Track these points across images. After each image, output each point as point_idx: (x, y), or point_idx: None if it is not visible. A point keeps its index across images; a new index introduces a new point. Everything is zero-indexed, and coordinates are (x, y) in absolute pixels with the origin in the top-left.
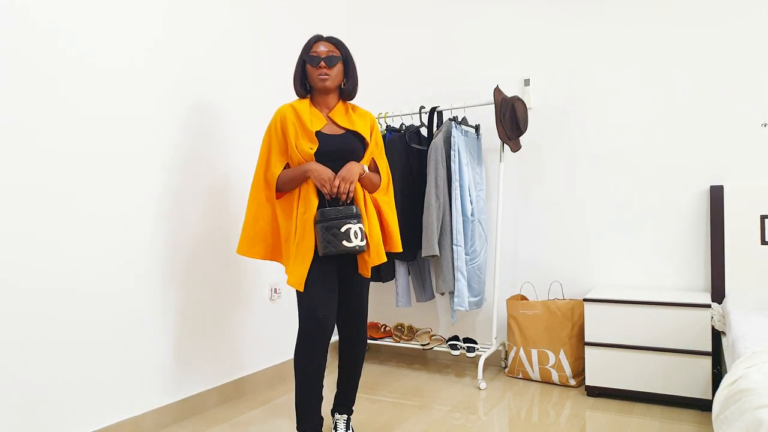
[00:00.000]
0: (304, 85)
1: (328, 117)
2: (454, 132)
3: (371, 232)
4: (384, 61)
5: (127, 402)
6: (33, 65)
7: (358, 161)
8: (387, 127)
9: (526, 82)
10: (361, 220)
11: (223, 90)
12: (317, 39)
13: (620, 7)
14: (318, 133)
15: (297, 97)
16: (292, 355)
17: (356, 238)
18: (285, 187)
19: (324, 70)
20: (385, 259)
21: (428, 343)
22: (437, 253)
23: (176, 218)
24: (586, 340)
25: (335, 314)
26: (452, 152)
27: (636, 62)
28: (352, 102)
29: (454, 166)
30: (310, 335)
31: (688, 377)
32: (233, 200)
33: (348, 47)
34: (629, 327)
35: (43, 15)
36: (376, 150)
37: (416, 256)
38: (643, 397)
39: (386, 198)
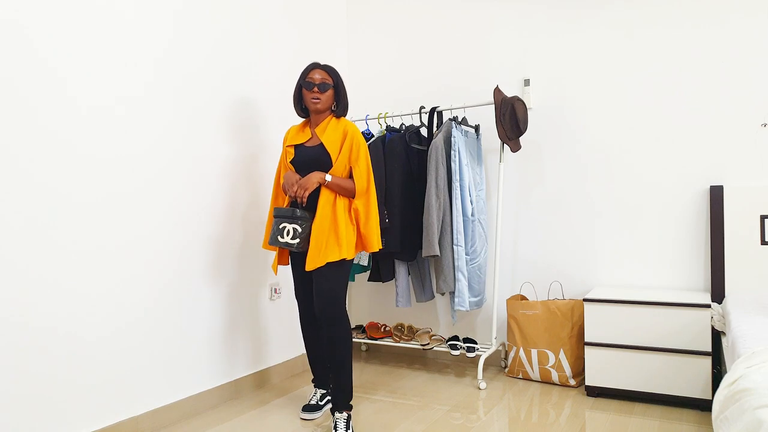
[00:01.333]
0: (300, 105)
1: (314, 132)
2: (455, 132)
3: (316, 234)
4: (384, 61)
5: (127, 402)
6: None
7: (326, 170)
8: (387, 127)
9: (526, 83)
10: (297, 222)
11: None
12: (313, 67)
13: (620, 7)
14: (298, 146)
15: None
16: (291, 356)
17: (287, 236)
18: (282, 190)
19: (317, 94)
20: (323, 262)
21: (428, 343)
22: (438, 253)
23: (175, 219)
24: (586, 340)
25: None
26: (452, 152)
27: (636, 63)
28: (344, 117)
29: (455, 166)
30: (301, 317)
31: (688, 377)
32: (233, 202)
33: (340, 74)
34: (629, 327)
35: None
36: (352, 158)
37: (416, 256)
38: (643, 397)
39: (361, 201)
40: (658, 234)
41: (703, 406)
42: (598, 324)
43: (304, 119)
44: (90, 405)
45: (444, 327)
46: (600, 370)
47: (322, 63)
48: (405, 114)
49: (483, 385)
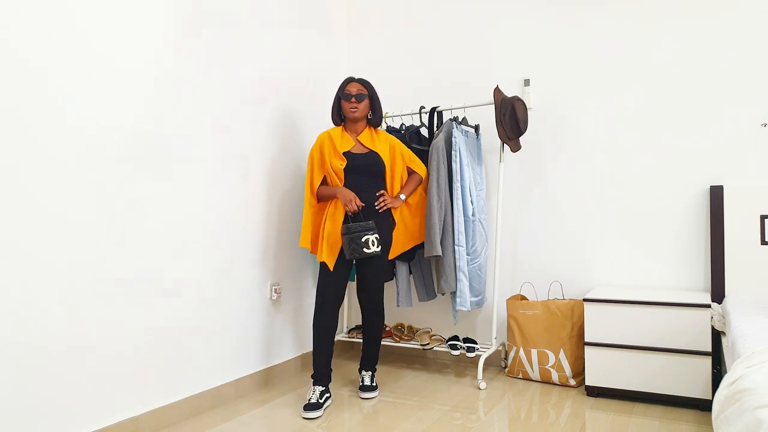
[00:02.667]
0: (339, 115)
1: (357, 140)
2: (455, 132)
3: (399, 230)
4: (384, 62)
5: (127, 402)
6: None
7: (381, 175)
8: (387, 127)
9: (526, 83)
10: (376, 231)
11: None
12: (350, 80)
13: (620, 6)
14: (347, 153)
15: (333, 125)
16: (291, 356)
17: (373, 246)
18: (323, 198)
19: (354, 104)
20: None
21: (428, 343)
22: (440, 253)
23: (178, 218)
24: (586, 340)
25: (340, 297)
26: (453, 152)
27: (636, 62)
28: (378, 128)
29: (455, 166)
30: (319, 308)
31: (688, 377)
32: (235, 200)
33: (373, 86)
34: (629, 327)
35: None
36: (407, 158)
37: (417, 255)
38: (643, 397)
39: (411, 200)
40: (658, 234)
41: (703, 406)
42: (598, 324)
43: (338, 126)
44: (90, 404)
45: (444, 327)
46: (600, 370)
47: (356, 77)
48: (405, 114)
49: (483, 385)
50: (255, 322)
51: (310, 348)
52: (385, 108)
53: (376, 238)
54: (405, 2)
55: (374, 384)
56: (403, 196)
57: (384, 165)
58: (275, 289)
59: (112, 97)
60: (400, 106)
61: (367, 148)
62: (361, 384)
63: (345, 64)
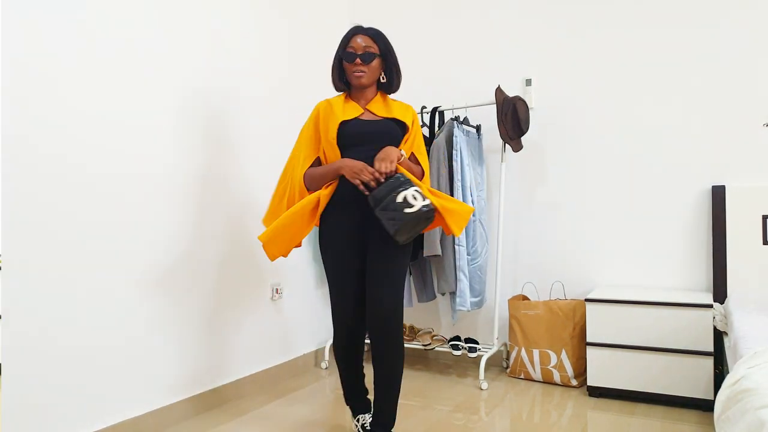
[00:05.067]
0: (342, 79)
1: (366, 108)
2: (456, 132)
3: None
4: None
5: (129, 403)
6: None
7: (396, 146)
8: None
9: (528, 82)
10: (413, 184)
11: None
12: (355, 32)
13: (622, 7)
14: (354, 120)
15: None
16: (295, 356)
17: (416, 200)
18: (317, 184)
19: (360, 67)
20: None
21: (430, 344)
22: (440, 252)
23: (179, 218)
24: (588, 340)
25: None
26: (454, 152)
27: (637, 62)
28: (392, 96)
29: (456, 166)
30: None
31: (690, 377)
32: (235, 200)
33: (388, 40)
34: (631, 327)
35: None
36: (417, 143)
37: (417, 255)
38: (645, 398)
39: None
40: (659, 234)
41: (705, 406)
42: (599, 324)
43: (342, 93)
44: (90, 406)
45: (445, 327)
46: (602, 370)
47: (364, 26)
48: None
49: (485, 385)
50: (256, 322)
51: (313, 348)
52: None
53: (416, 190)
54: (407, 2)
55: None
56: (403, 152)
57: (400, 134)
58: (276, 290)
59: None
60: None
61: (378, 116)
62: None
63: None
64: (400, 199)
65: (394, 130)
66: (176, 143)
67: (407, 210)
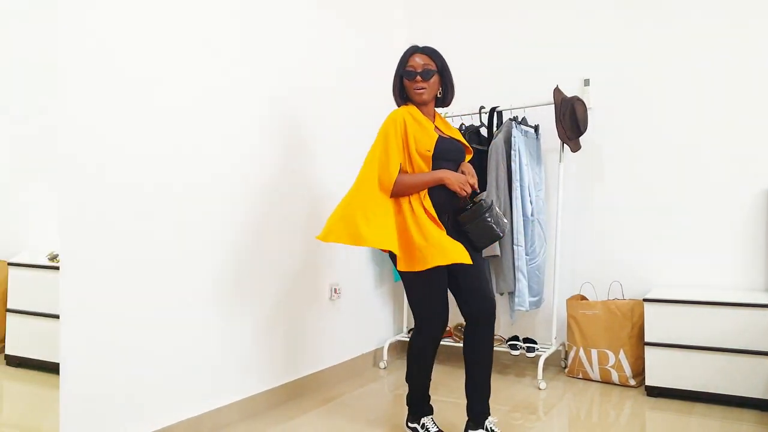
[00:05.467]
0: (403, 96)
1: (435, 125)
2: (515, 132)
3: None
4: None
5: (189, 402)
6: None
7: (458, 166)
8: None
9: (586, 82)
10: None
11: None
12: (413, 51)
13: (680, 5)
14: (449, 138)
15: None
16: (353, 356)
17: (504, 222)
18: (409, 191)
19: (420, 83)
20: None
21: None
22: (498, 253)
23: (237, 218)
24: (646, 340)
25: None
26: (513, 152)
27: (695, 61)
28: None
29: (515, 166)
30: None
31: (749, 377)
32: (292, 200)
33: (443, 57)
34: (689, 327)
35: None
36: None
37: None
38: (704, 398)
39: None
40: (717, 234)
41: (764, 406)
42: (658, 324)
43: (409, 104)
44: (150, 403)
45: (504, 327)
46: (660, 370)
47: (421, 45)
48: (465, 114)
49: (543, 385)
50: (315, 322)
51: (372, 348)
52: (445, 108)
53: (497, 211)
54: (464, 2)
55: None
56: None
57: (465, 155)
58: (335, 290)
59: None
60: (459, 106)
61: (445, 134)
62: None
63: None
64: (493, 216)
65: (462, 152)
66: (251, 149)
67: (499, 229)
